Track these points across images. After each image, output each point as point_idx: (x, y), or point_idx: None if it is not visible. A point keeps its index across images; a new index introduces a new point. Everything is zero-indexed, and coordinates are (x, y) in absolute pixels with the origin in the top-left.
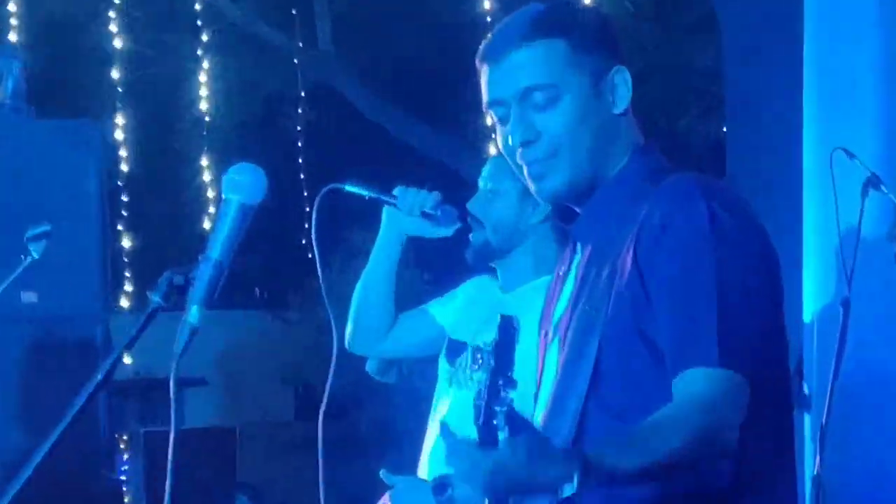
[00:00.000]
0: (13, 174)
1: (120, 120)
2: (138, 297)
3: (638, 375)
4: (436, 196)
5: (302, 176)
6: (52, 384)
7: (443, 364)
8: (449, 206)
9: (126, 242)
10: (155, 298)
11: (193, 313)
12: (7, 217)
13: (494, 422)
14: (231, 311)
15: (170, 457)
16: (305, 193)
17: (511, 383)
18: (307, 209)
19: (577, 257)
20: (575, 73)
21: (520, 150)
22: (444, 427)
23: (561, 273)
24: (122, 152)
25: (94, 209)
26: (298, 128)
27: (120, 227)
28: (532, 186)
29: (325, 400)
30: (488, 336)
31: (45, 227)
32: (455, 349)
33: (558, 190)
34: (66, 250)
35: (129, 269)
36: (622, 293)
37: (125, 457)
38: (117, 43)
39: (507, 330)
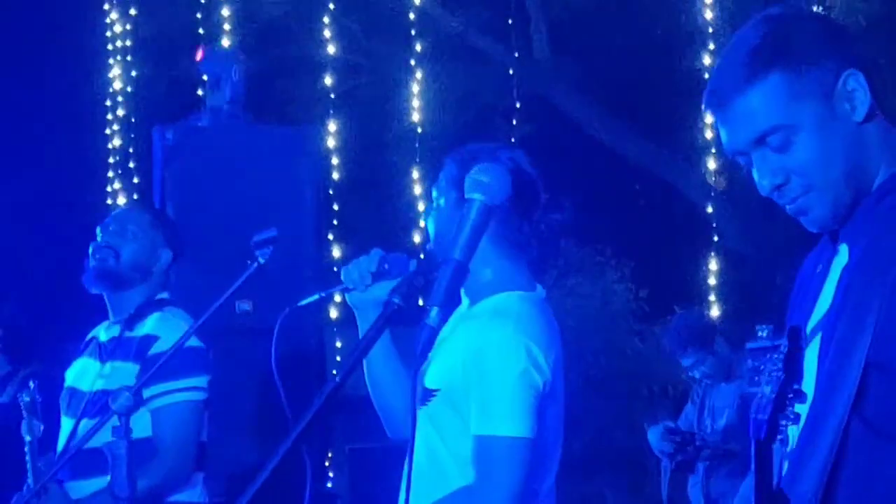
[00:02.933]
0: (229, 181)
1: (331, 128)
2: (347, 308)
3: None
4: (376, 253)
5: None
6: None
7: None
8: (393, 255)
9: (336, 252)
10: (394, 300)
11: (433, 316)
12: (224, 222)
13: (779, 437)
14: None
15: None
16: None
17: (800, 396)
18: None
19: (839, 258)
20: (801, 102)
21: (774, 193)
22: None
23: (818, 270)
24: (333, 161)
25: (310, 218)
26: (513, 139)
27: (330, 237)
28: (798, 218)
29: None
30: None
31: (272, 233)
32: None
33: (824, 221)
34: (282, 259)
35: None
36: (893, 307)
37: (330, 474)
38: (330, 50)
39: (797, 339)
